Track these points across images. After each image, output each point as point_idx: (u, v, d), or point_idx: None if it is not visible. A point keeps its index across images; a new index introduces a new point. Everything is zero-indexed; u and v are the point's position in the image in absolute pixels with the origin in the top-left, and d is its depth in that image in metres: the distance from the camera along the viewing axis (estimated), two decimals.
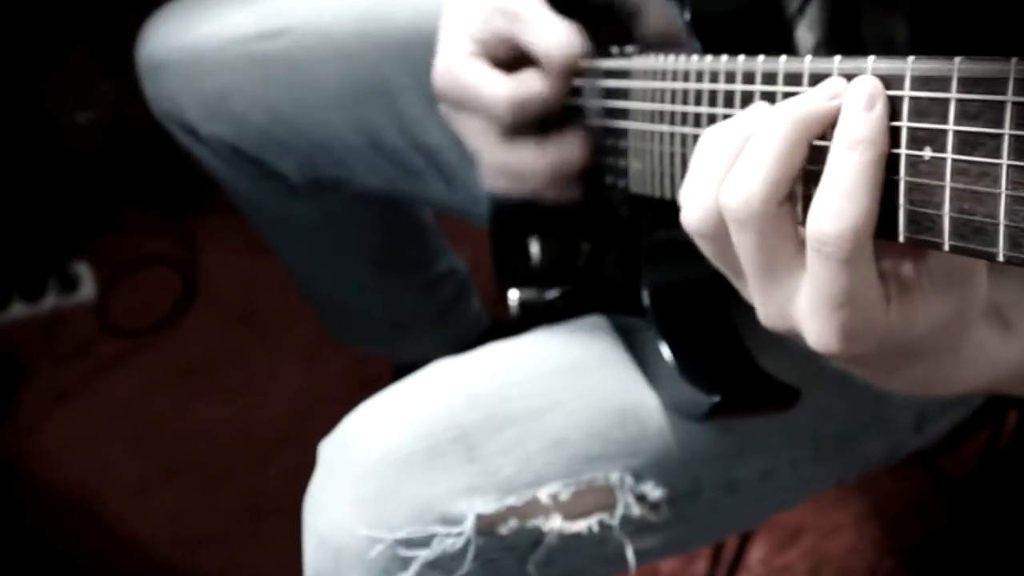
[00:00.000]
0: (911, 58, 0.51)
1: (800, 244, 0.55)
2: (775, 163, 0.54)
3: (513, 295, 1.06)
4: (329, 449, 0.89)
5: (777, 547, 1.63)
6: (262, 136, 1.23)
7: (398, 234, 1.46)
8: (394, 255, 1.46)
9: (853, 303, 0.53)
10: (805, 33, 0.82)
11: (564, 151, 0.89)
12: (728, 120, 0.60)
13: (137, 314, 2.08)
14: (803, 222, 0.55)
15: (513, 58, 0.89)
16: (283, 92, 1.20)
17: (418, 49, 1.09)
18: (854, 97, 0.51)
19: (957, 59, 0.48)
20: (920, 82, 0.50)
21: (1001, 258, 0.46)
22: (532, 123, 0.89)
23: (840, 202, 0.51)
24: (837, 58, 0.55)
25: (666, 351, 0.80)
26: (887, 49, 0.79)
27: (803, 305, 0.55)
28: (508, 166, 0.91)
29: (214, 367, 1.98)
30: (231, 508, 1.78)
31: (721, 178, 0.57)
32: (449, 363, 0.91)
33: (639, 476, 0.87)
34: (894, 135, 0.51)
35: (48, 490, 1.81)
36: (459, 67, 0.89)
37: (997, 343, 0.65)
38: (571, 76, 0.87)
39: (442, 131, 1.12)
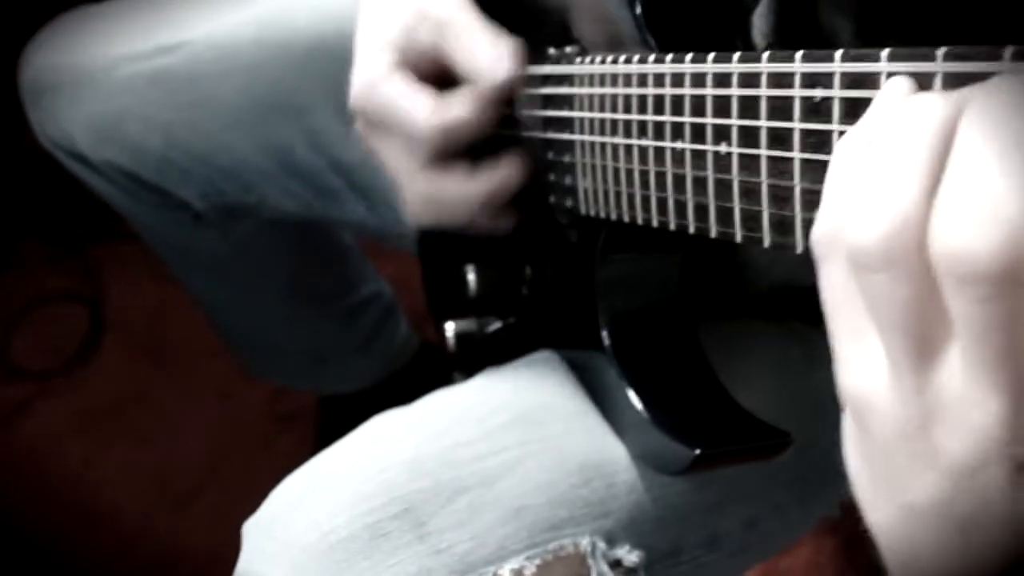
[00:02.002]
0: (885, 52, 0.44)
1: None
2: (923, 167, 0.37)
3: (449, 328, 0.98)
4: (255, 531, 0.79)
5: None
6: (160, 162, 1.16)
7: (315, 261, 1.40)
8: (312, 283, 1.41)
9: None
10: (759, 21, 0.75)
11: (498, 179, 0.83)
12: (887, 117, 0.42)
13: (42, 355, 2.00)
14: None
15: (441, 71, 0.82)
16: (181, 113, 1.14)
17: (324, 57, 1.05)
18: None
19: (940, 52, 0.41)
20: None
21: None
22: (460, 148, 0.83)
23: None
24: (838, 53, 0.47)
25: (634, 398, 0.73)
26: (833, 41, 0.72)
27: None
28: (433, 196, 0.84)
29: (127, 408, 1.91)
30: (150, 559, 1.71)
31: (917, 203, 0.37)
32: (386, 421, 0.83)
33: (612, 539, 0.79)
34: None
35: None
36: (379, 82, 0.82)
37: None
38: (505, 101, 0.80)
39: (360, 147, 1.04)
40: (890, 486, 0.41)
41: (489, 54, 0.79)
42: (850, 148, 0.42)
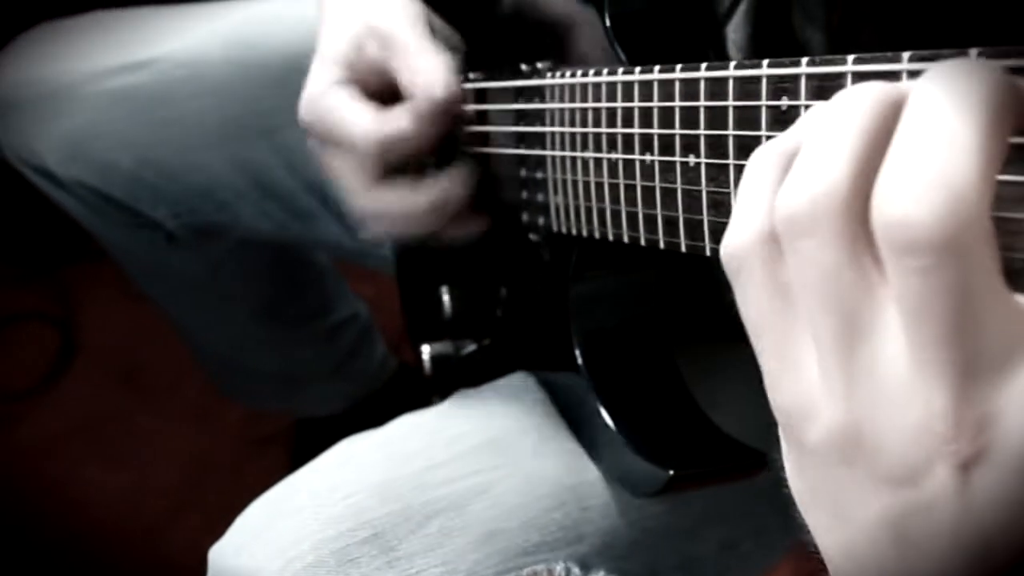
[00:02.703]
0: (851, 57, 0.43)
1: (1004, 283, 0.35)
2: (859, 135, 0.35)
3: (425, 351, 0.96)
4: (221, 558, 0.78)
5: None
6: (131, 181, 1.15)
7: (290, 282, 1.38)
8: (287, 305, 1.39)
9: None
10: (733, 34, 0.74)
11: (440, 190, 0.83)
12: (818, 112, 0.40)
13: (12, 377, 1.97)
14: None
15: (389, 86, 0.82)
16: (151, 131, 1.12)
17: (300, 75, 1.02)
18: None
19: (906, 55, 0.41)
20: None
21: None
22: (406, 162, 0.83)
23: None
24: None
25: (607, 418, 0.71)
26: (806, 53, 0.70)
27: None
28: (380, 210, 0.84)
29: (99, 430, 1.89)
30: None
31: (775, 186, 0.38)
32: (355, 444, 0.82)
33: (586, 564, 0.77)
34: None
35: None
36: (323, 97, 0.82)
37: None
38: (444, 118, 0.80)
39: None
40: (833, 505, 0.38)
41: (426, 71, 0.79)
42: (768, 152, 0.39)
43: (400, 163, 0.82)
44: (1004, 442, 0.33)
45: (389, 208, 0.83)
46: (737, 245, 0.38)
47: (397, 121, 0.79)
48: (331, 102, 0.81)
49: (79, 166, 1.14)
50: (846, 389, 0.36)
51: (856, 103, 0.36)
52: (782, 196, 0.36)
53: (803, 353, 0.37)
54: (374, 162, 0.81)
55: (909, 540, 0.36)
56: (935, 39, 0.58)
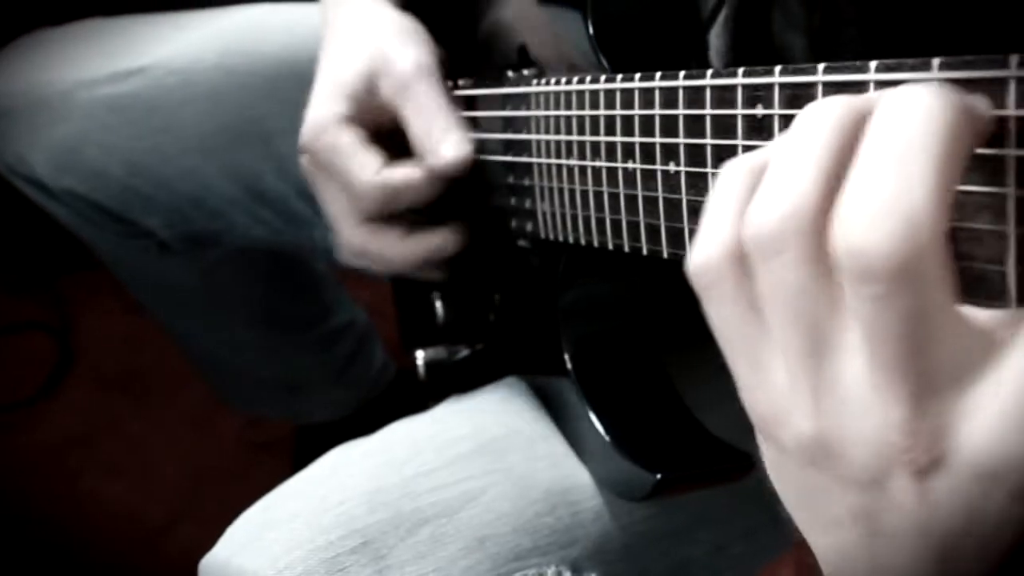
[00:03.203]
0: (821, 67, 0.43)
1: (958, 304, 0.36)
2: (824, 154, 0.36)
3: (419, 356, 0.96)
4: (212, 568, 0.77)
5: None
6: (123, 190, 1.14)
7: (287, 289, 1.38)
8: (284, 312, 1.39)
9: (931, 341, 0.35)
10: (715, 41, 0.74)
11: (431, 245, 0.84)
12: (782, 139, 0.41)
13: (9, 387, 1.96)
14: None
15: (394, 124, 0.82)
16: (143, 139, 1.11)
17: (292, 82, 1.04)
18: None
19: (873, 64, 0.40)
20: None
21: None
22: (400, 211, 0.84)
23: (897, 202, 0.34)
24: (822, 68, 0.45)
25: (596, 422, 0.71)
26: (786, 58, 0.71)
27: (990, 413, 0.34)
28: (366, 251, 0.86)
29: (97, 439, 1.88)
30: None
31: (743, 202, 0.39)
32: (345, 452, 0.81)
33: (578, 568, 0.76)
34: None
35: None
36: (329, 132, 0.83)
37: None
38: (449, 178, 0.81)
39: None
40: (812, 502, 0.40)
41: (441, 139, 0.79)
42: (737, 168, 0.40)
43: (396, 212, 0.83)
44: (960, 452, 0.34)
45: (376, 251, 0.84)
46: (705, 262, 0.40)
47: (403, 176, 0.80)
48: (337, 140, 0.82)
49: (70, 175, 1.13)
50: (813, 401, 0.37)
51: (819, 121, 0.37)
52: (751, 214, 0.37)
53: (773, 364, 0.39)
54: (370, 207, 0.82)
55: (882, 535, 0.38)
56: (916, 41, 0.58)
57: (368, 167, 0.80)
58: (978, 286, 0.37)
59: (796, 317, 0.37)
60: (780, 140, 0.39)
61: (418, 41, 0.83)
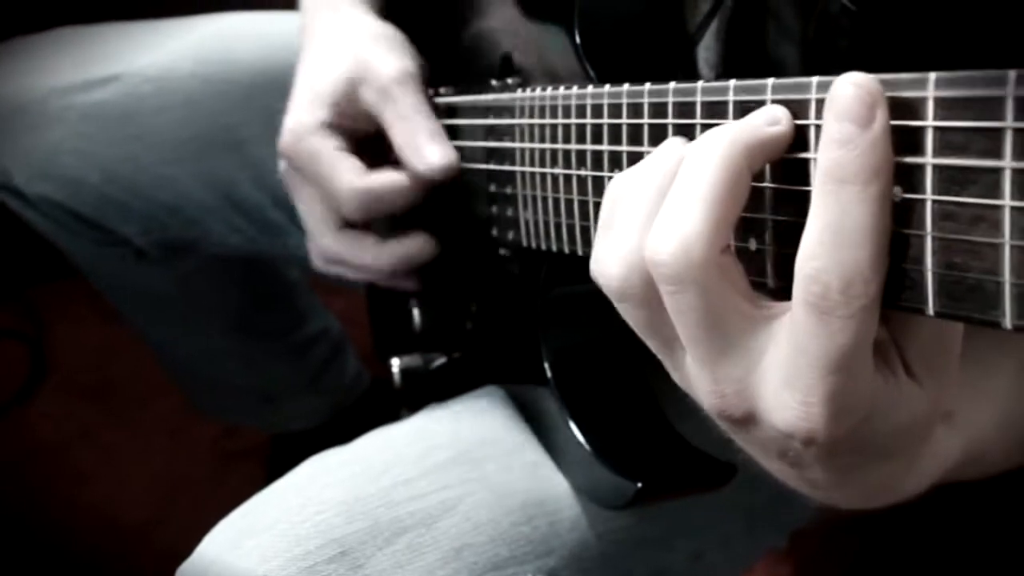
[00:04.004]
0: (770, 83, 0.46)
1: (752, 300, 0.46)
2: (716, 198, 0.44)
3: (395, 364, 0.95)
4: None
5: None
6: (99, 197, 1.13)
7: (261, 296, 1.37)
8: (258, 319, 1.38)
9: (849, 368, 0.42)
10: (705, 53, 0.74)
11: (405, 253, 0.85)
12: (643, 161, 0.50)
13: None
14: (755, 272, 0.48)
15: (375, 130, 0.83)
16: (119, 147, 1.11)
17: (267, 90, 1.03)
18: (843, 108, 0.40)
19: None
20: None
21: (1009, 325, 0.37)
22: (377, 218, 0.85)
23: (846, 252, 0.40)
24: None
25: (576, 431, 0.70)
26: (779, 70, 0.72)
27: (774, 375, 0.45)
28: (340, 257, 0.86)
29: (71, 448, 1.87)
30: None
31: (644, 226, 0.47)
32: (322, 461, 0.80)
33: None
34: None
35: None
36: (309, 138, 0.83)
37: (943, 441, 0.57)
38: (429, 186, 0.82)
39: None
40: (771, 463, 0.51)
41: (425, 149, 0.80)
42: (640, 185, 0.48)
43: (373, 219, 0.83)
44: (761, 408, 0.46)
45: (351, 256, 0.85)
46: (613, 280, 0.49)
47: (383, 184, 0.80)
48: (318, 147, 0.82)
49: (46, 183, 1.12)
50: (736, 382, 0.47)
51: (731, 144, 0.44)
52: (654, 241, 0.45)
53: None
54: (348, 213, 0.82)
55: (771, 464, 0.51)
56: (911, 52, 0.59)
57: (349, 172, 0.81)
58: (972, 297, 0.38)
59: (702, 328, 0.46)
60: (690, 152, 0.46)
61: (399, 48, 0.83)
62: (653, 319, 0.48)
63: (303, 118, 0.82)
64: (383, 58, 0.82)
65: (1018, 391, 0.64)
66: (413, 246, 0.85)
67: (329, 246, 0.85)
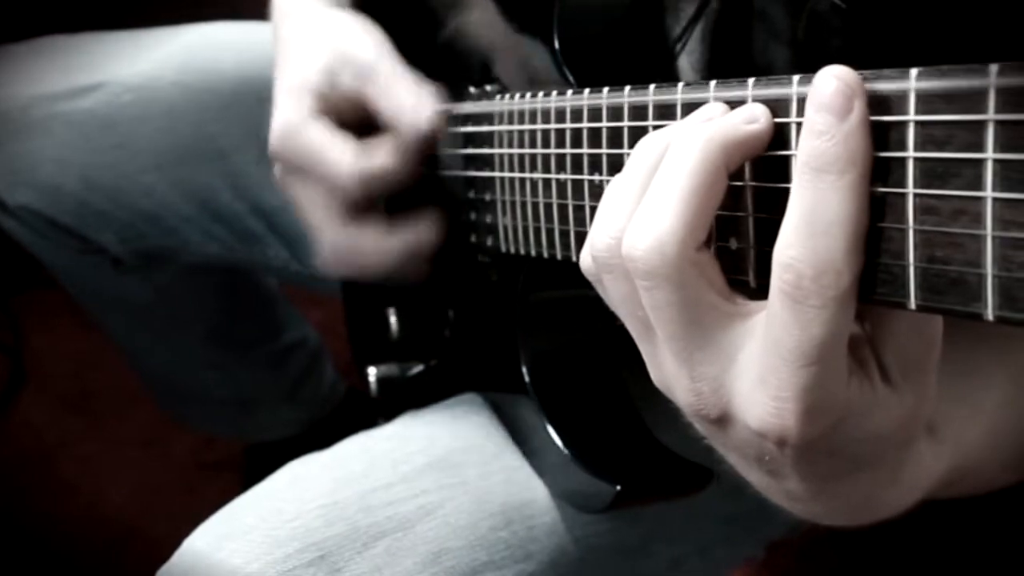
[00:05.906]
0: (751, 82, 0.46)
1: (729, 297, 0.46)
2: (691, 196, 0.44)
3: (371, 372, 0.95)
4: None
5: None
6: (78, 205, 1.13)
7: (238, 306, 1.37)
8: (235, 329, 1.37)
9: (822, 363, 0.42)
10: (687, 60, 0.74)
11: (416, 234, 0.83)
12: (630, 155, 0.50)
13: None
14: (735, 271, 0.48)
15: (361, 118, 0.81)
16: (99, 155, 1.11)
17: (249, 100, 1.02)
18: (822, 99, 0.40)
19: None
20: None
21: (991, 316, 0.37)
22: (380, 199, 0.83)
23: (820, 240, 0.41)
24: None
25: (555, 435, 0.70)
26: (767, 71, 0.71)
27: (749, 371, 0.45)
28: (350, 249, 0.84)
29: (49, 458, 1.86)
30: None
31: (627, 217, 0.47)
32: (302, 465, 0.80)
33: None
34: None
35: None
36: (299, 129, 0.81)
37: (927, 454, 0.56)
38: (426, 148, 0.80)
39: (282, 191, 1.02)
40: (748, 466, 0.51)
41: (411, 102, 0.78)
42: (627, 180, 0.48)
43: (376, 201, 0.82)
44: (736, 406, 0.46)
45: (361, 247, 0.83)
46: (590, 264, 0.50)
47: (382, 155, 0.79)
48: (309, 136, 0.80)
49: (25, 191, 1.12)
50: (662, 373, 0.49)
51: (707, 142, 0.45)
52: (630, 236, 0.46)
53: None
54: (351, 198, 0.81)
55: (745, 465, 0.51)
56: (902, 51, 0.59)
57: (345, 153, 0.79)
58: (954, 290, 0.38)
59: (679, 324, 0.46)
60: (672, 145, 0.47)
61: (373, 31, 0.83)
62: (629, 296, 0.49)
63: (289, 115, 0.81)
64: (359, 40, 0.81)
65: (1010, 405, 0.64)
66: (420, 229, 0.83)
67: (338, 240, 0.84)
